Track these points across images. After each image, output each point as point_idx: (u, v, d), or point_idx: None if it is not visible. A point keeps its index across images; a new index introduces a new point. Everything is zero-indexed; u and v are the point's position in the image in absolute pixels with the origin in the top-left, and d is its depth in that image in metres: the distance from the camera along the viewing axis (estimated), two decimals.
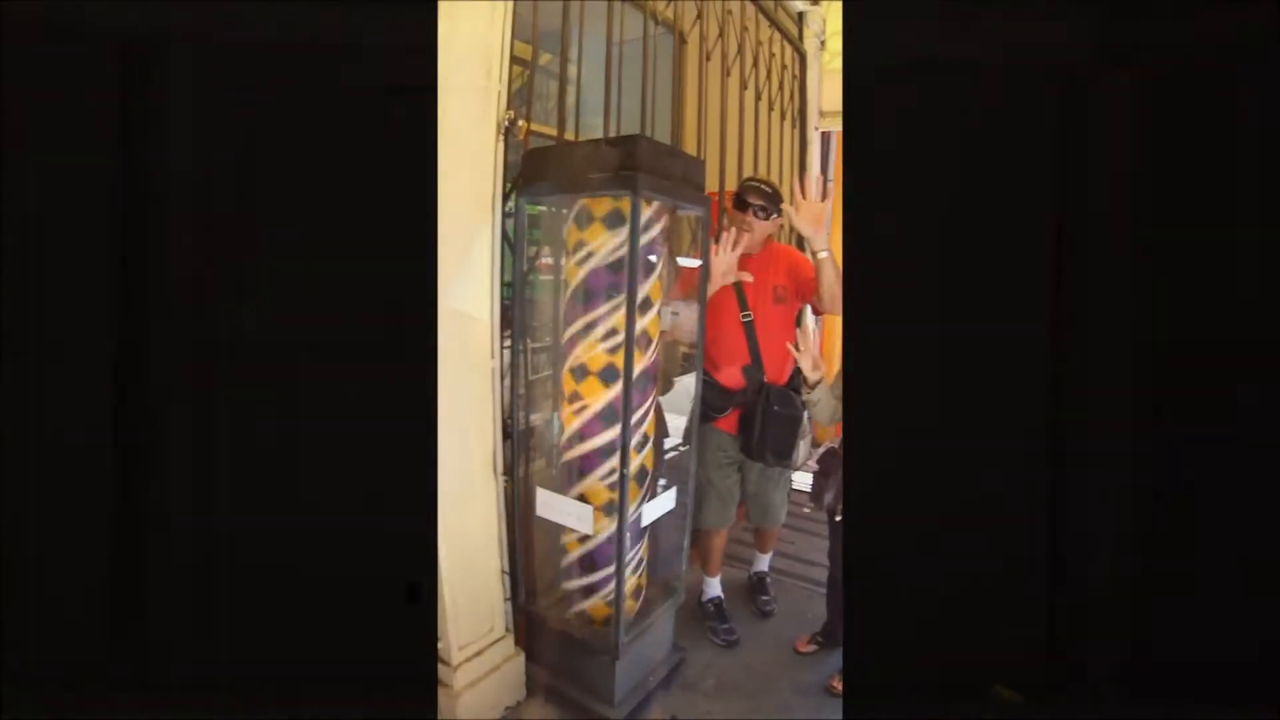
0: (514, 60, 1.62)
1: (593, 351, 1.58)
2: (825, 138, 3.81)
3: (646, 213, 1.54)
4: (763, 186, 2.07)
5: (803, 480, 3.68)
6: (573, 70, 2.75)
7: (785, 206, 1.89)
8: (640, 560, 1.78)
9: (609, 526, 1.60)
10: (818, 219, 1.88)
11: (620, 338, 1.52)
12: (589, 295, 1.57)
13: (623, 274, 1.49)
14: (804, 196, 1.87)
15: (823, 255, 1.91)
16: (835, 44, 3.65)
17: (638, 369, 1.61)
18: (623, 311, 1.49)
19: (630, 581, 1.73)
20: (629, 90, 2.11)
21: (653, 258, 1.61)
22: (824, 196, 1.86)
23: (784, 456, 2.11)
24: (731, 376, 2.10)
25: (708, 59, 2.51)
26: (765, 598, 2.42)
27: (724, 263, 1.89)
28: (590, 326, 1.57)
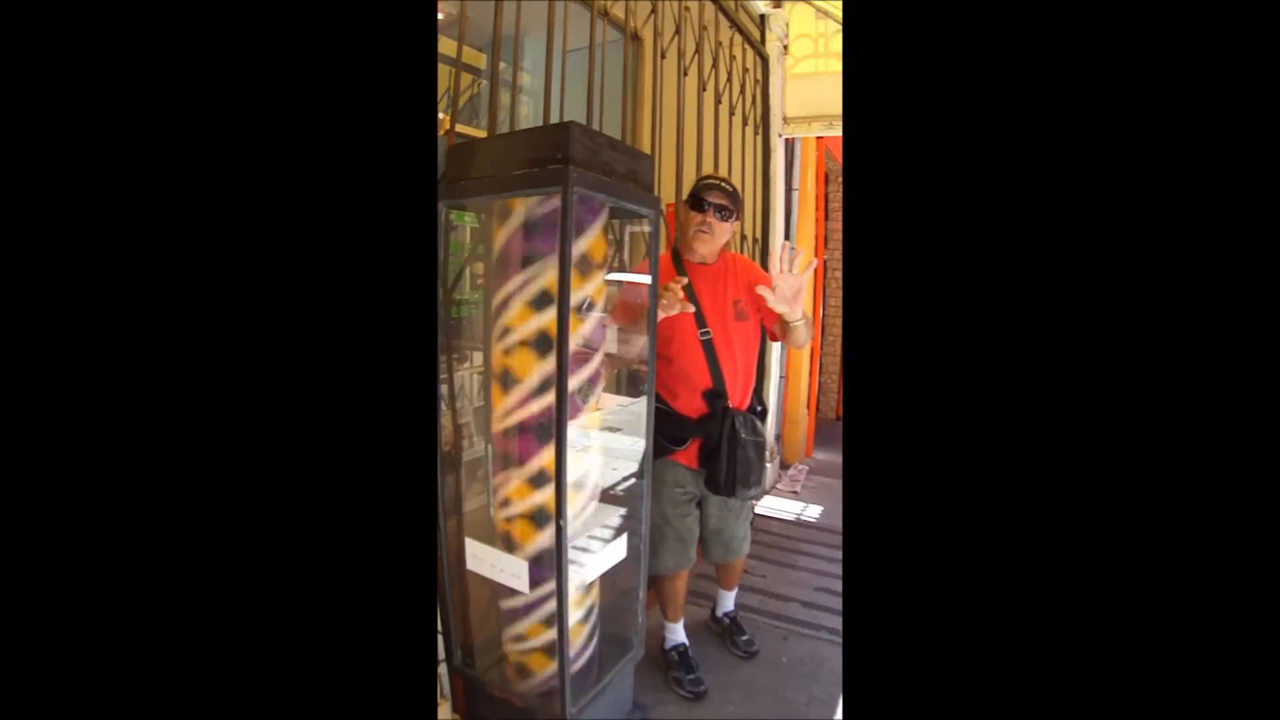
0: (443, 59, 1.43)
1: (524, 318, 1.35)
2: (790, 144, 3.67)
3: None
4: (723, 185, 1.85)
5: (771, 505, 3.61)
6: (525, 77, 2.60)
7: (761, 289, 1.66)
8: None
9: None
10: (797, 294, 1.67)
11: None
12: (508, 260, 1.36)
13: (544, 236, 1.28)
14: (781, 270, 1.64)
15: (798, 323, 1.73)
16: (799, 48, 3.52)
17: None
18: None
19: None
20: (578, 93, 1.93)
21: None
22: (802, 269, 1.64)
23: (754, 486, 1.89)
24: (692, 404, 1.88)
25: (663, 57, 2.33)
26: (745, 638, 2.21)
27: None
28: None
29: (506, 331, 1.37)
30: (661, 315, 1.66)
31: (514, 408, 1.39)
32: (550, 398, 1.34)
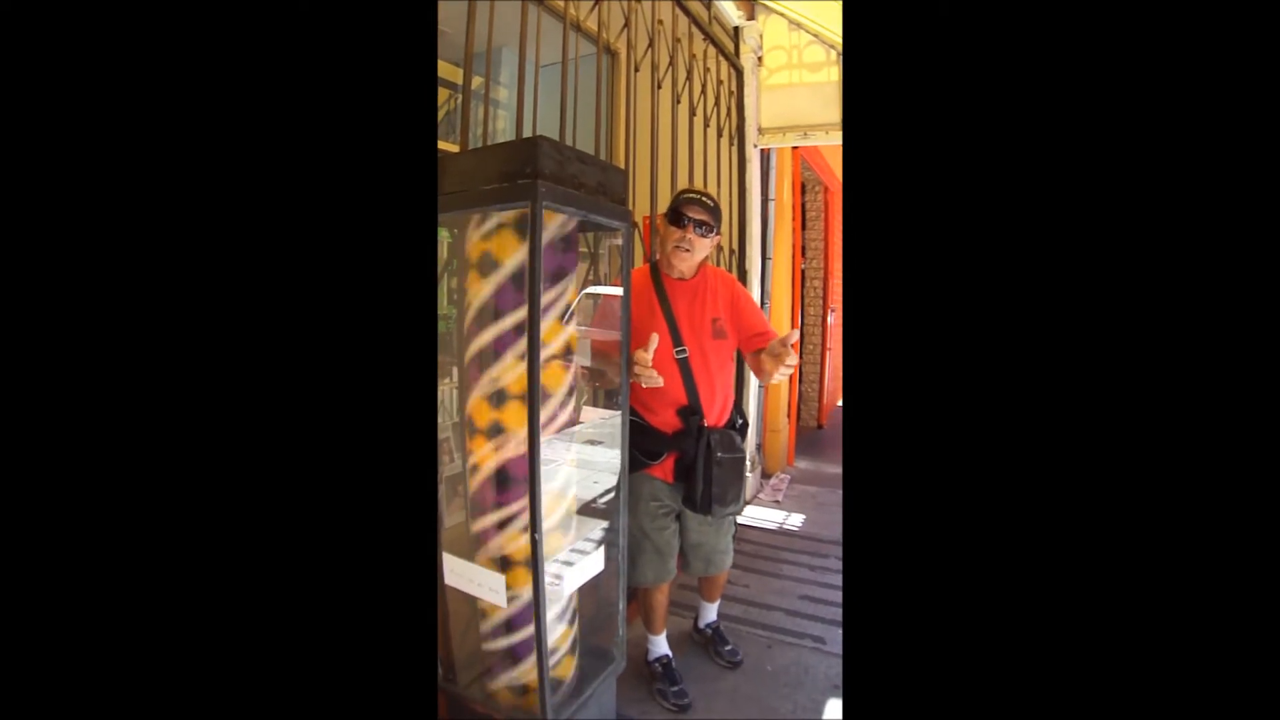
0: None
1: (515, 372, 1.34)
2: (765, 155, 3.69)
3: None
4: (703, 199, 1.83)
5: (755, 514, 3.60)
6: (502, 91, 2.60)
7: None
8: (571, 615, 1.55)
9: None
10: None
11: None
12: (498, 310, 1.35)
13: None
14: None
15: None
16: (773, 59, 3.56)
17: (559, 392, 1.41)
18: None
19: (561, 650, 1.51)
20: (553, 108, 1.94)
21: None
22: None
23: (731, 504, 1.88)
24: (666, 420, 1.86)
25: (637, 70, 2.34)
26: (729, 647, 2.20)
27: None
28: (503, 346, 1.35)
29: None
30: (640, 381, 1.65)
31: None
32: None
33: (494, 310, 1.34)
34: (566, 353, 1.42)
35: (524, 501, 1.35)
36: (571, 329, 1.43)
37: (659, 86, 2.52)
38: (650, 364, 1.60)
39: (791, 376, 4.51)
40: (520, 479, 1.36)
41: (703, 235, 1.82)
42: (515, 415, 1.35)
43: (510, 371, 1.35)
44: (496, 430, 1.38)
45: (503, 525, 1.40)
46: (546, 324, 1.33)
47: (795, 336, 1.63)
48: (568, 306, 1.39)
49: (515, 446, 1.36)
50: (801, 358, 5.52)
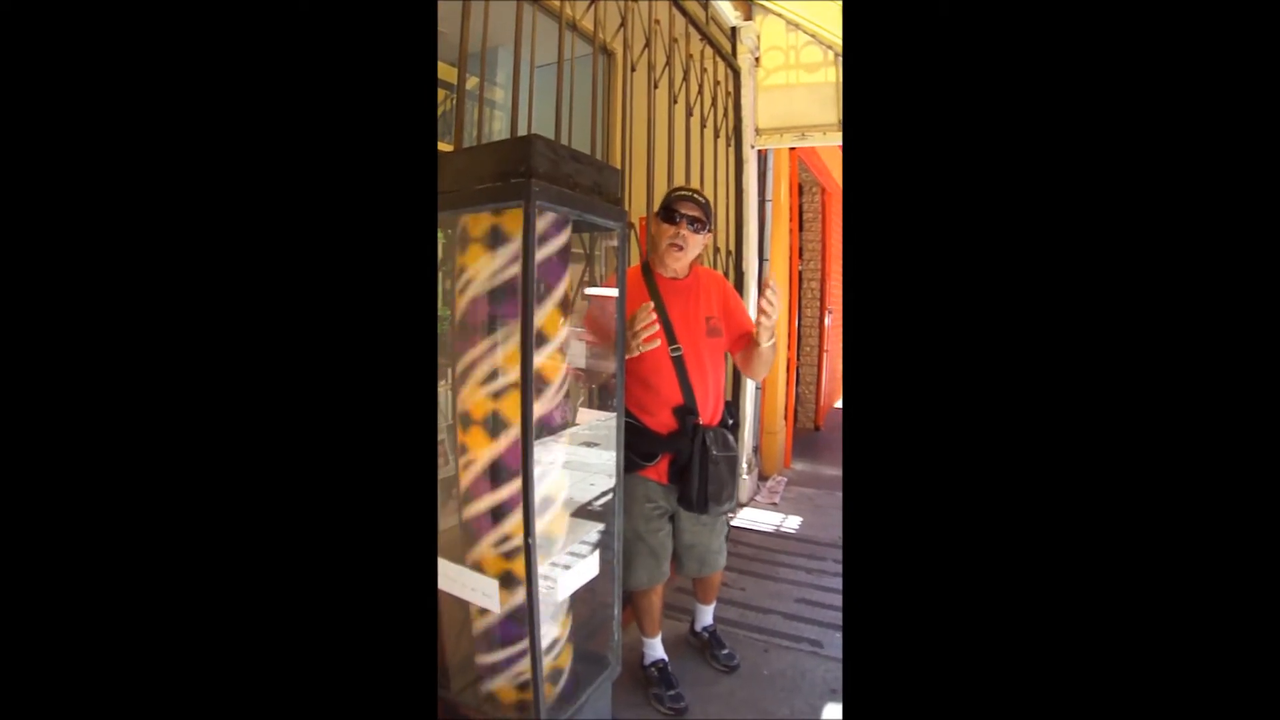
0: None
1: (475, 397, 1.34)
2: (762, 156, 3.68)
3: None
4: (695, 196, 1.84)
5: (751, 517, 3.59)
6: (498, 92, 2.58)
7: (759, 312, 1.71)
8: (556, 640, 1.53)
9: (511, 599, 1.36)
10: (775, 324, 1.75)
11: (502, 380, 1.30)
12: (468, 330, 1.34)
13: (506, 303, 1.27)
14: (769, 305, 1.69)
15: (768, 345, 1.79)
16: (770, 60, 3.55)
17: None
18: (503, 349, 1.28)
19: (547, 663, 1.49)
20: (549, 107, 1.92)
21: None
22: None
23: (726, 501, 1.88)
24: (662, 421, 1.86)
25: (633, 70, 2.33)
26: (725, 651, 2.19)
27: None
28: (471, 367, 1.33)
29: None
30: (638, 349, 1.66)
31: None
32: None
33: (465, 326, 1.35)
34: (487, 419, 1.40)
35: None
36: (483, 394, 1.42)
37: (655, 87, 2.51)
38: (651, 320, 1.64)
39: (788, 378, 4.50)
40: None
41: (695, 232, 1.84)
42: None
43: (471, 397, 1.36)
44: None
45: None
46: (468, 388, 1.34)
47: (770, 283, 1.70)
48: (492, 370, 1.38)
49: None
50: (799, 359, 5.52)
